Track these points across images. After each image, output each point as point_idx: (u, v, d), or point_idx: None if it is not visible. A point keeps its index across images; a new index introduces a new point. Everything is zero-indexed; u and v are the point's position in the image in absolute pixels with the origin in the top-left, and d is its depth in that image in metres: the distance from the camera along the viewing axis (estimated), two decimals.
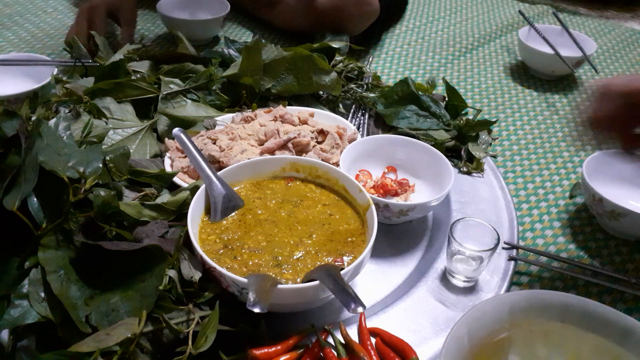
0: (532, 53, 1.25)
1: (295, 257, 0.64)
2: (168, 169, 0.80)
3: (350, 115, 1.02)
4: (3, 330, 0.54)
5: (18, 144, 0.60)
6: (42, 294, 0.54)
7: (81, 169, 0.61)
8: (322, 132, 0.88)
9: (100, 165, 0.63)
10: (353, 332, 0.63)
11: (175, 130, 0.78)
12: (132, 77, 0.93)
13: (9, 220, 0.58)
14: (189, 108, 0.90)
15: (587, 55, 1.23)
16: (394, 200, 0.81)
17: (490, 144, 0.99)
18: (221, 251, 0.64)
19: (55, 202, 0.59)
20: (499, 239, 0.68)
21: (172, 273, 0.58)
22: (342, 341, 0.61)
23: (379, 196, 0.79)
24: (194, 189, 0.69)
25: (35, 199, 0.59)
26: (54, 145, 0.63)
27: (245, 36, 1.39)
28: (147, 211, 0.65)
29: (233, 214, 0.69)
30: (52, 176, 0.59)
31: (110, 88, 0.87)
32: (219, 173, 0.71)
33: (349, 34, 1.24)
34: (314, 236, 0.67)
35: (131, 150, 0.79)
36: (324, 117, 0.94)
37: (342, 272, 0.58)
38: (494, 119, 1.02)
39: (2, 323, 0.53)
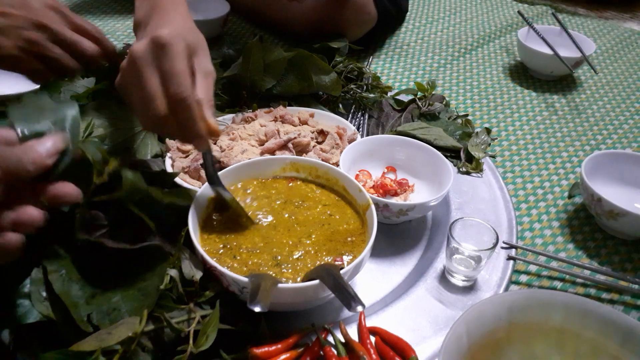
0: (531, 54, 1.25)
1: (295, 257, 0.64)
2: (169, 169, 0.81)
3: (350, 115, 1.02)
4: (4, 329, 0.54)
5: None
6: (44, 293, 0.55)
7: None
8: (322, 133, 0.89)
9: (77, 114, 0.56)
10: (353, 331, 0.64)
11: None
12: None
13: None
14: None
15: (586, 56, 1.23)
16: (394, 200, 0.81)
17: (489, 144, 0.99)
18: (221, 251, 0.64)
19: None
20: (497, 239, 0.69)
21: (173, 272, 0.58)
22: (342, 340, 0.61)
23: (378, 196, 0.79)
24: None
25: None
26: None
27: (245, 36, 1.39)
28: (167, 197, 0.63)
29: (234, 215, 0.69)
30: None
31: (111, 88, 0.88)
32: (219, 173, 0.71)
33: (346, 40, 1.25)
34: (314, 236, 0.67)
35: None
36: (324, 118, 0.95)
37: (342, 272, 0.58)
38: (492, 120, 1.02)
39: (3, 322, 0.53)
